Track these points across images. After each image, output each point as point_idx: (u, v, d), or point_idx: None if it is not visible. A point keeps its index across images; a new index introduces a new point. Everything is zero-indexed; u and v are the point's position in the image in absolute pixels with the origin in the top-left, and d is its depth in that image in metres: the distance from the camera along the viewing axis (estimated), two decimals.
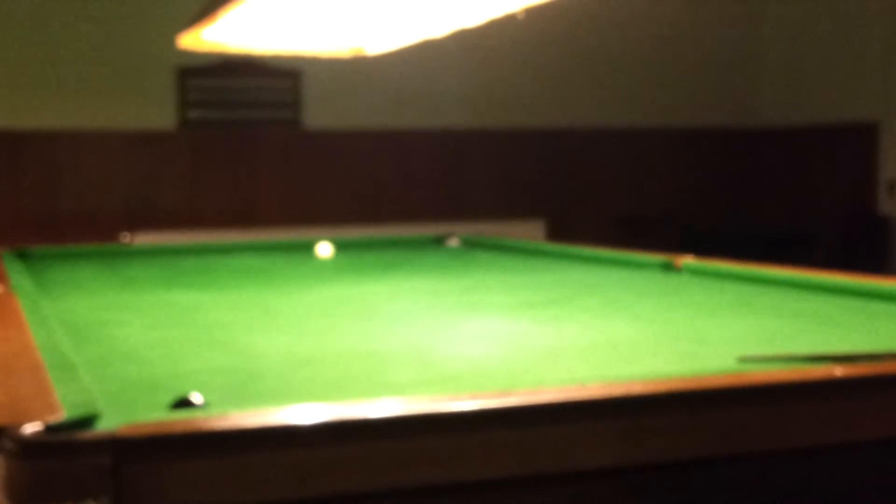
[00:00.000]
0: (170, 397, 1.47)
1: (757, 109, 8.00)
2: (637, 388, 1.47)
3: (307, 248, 4.53)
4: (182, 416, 1.35)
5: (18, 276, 3.11)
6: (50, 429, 1.23)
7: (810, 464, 1.57)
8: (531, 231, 7.05)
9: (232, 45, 3.84)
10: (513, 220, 7.22)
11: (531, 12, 2.98)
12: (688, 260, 3.28)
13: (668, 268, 3.30)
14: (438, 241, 4.73)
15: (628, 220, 7.57)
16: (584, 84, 7.58)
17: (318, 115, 6.97)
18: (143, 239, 5.97)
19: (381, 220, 6.98)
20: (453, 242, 4.67)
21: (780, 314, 2.44)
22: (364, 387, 1.67)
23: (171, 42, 4.10)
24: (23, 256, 3.94)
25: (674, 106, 7.80)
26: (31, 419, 1.25)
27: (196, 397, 1.41)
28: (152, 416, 1.34)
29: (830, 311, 2.46)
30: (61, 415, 1.29)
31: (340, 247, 4.57)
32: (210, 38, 3.68)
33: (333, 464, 1.31)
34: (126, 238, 5.86)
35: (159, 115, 6.64)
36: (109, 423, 1.28)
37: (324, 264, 3.91)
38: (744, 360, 1.68)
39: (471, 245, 4.54)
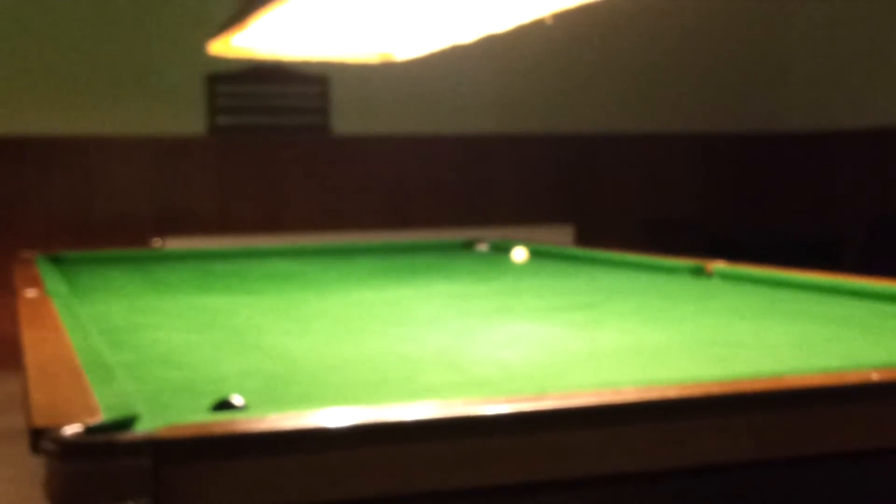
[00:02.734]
0: (206, 400, 1.48)
1: (782, 114, 7.96)
2: (672, 393, 1.47)
3: (336, 252, 4.55)
4: (220, 418, 1.36)
5: (53, 280, 3.14)
6: (89, 430, 1.24)
7: (846, 469, 1.56)
8: (560, 236, 7.04)
9: (261, 51, 3.87)
10: (541, 224, 7.21)
11: (558, 17, 2.98)
12: (719, 264, 3.27)
13: (698, 272, 3.29)
14: (467, 246, 4.73)
15: (655, 225, 7.55)
16: (611, 89, 7.56)
17: (345, 121, 6.99)
18: (174, 244, 6.01)
19: (409, 225, 7.00)
20: (482, 247, 4.67)
21: (812, 318, 2.43)
22: (398, 390, 1.68)
23: (200, 48, 4.13)
24: (56, 261, 3.98)
25: (699, 111, 7.77)
26: (70, 421, 1.26)
27: (237, 399, 1.42)
28: (189, 418, 1.35)
29: (862, 315, 2.45)
30: (100, 417, 1.30)
31: (369, 251, 4.58)
32: (239, 44, 3.70)
33: (368, 466, 1.32)
34: (157, 243, 5.90)
35: (189, 121, 6.68)
36: (148, 425, 1.29)
37: (352, 269, 3.92)
38: None
39: (500, 250, 4.54)
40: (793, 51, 7.96)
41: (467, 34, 3.39)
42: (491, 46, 5.12)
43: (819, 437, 1.51)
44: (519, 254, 3.98)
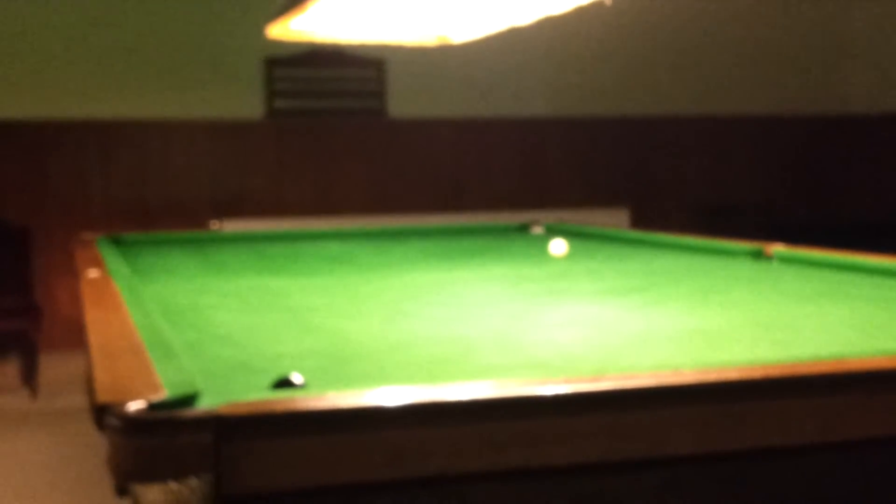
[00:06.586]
0: (265, 379, 1.50)
1: (845, 96, 7.83)
2: (732, 375, 1.46)
3: (391, 235, 4.56)
4: (280, 395, 1.37)
5: (114, 262, 3.18)
6: (153, 407, 1.26)
7: None
8: (615, 219, 6.99)
9: (319, 34, 3.88)
10: (596, 208, 7.16)
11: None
12: (779, 248, 3.23)
13: (758, 255, 3.26)
14: (523, 229, 4.72)
15: (713, 210, 7.48)
16: (668, 72, 7.49)
17: (402, 105, 7.00)
18: (231, 226, 6.06)
19: (464, 208, 6.99)
20: (537, 230, 4.66)
21: (874, 302, 2.39)
22: (454, 370, 1.68)
23: (258, 32, 4.15)
24: (116, 242, 4.03)
25: (759, 93, 7.67)
26: (134, 397, 1.28)
27: (296, 377, 1.44)
28: (249, 396, 1.36)
29: None
30: (163, 393, 1.32)
31: (424, 234, 4.59)
32: (297, 28, 3.72)
33: (425, 445, 1.32)
34: (215, 225, 5.96)
35: (246, 104, 6.73)
36: (209, 402, 1.30)
37: (408, 252, 3.93)
38: None
39: (555, 232, 4.52)
40: (857, 31, 7.82)
41: (524, 16, 3.37)
42: (548, 29, 5.08)
43: (881, 420, 1.49)
44: (558, 247, 3.63)
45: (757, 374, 1.47)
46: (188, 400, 1.30)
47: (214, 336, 2.00)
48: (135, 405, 1.25)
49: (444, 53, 5.58)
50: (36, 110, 6.41)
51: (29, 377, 5.41)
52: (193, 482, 1.23)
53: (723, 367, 1.51)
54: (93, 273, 2.78)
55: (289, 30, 3.72)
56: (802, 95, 7.76)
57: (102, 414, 1.26)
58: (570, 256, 3.60)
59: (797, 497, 1.50)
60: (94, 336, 1.82)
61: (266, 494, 1.26)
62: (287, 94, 6.77)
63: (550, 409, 1.37)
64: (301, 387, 1.42)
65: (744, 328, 2.08)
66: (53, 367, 5.68)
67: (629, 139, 7.45)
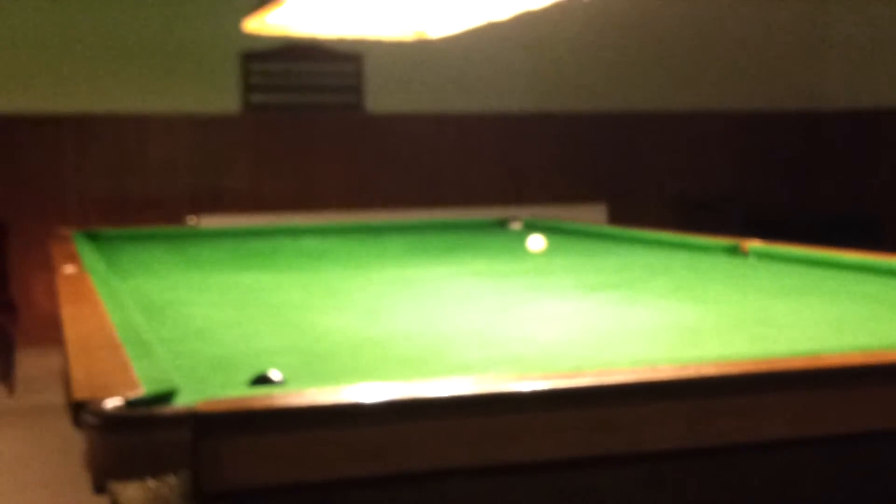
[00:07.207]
0: (243, 375, 1.49)
1: (822, 91, 7.87)
2: (709, 370, 1.46)
3: (369, 230, 4.56)
4: (259, 392, 1.37)
5: (90, 257, 3.16)
6: (130, 404, 1.25)
7: (882, 448, 1.55)
8: (593, 214, 7.01)
9: (295, 29, 3.87)
10: (574, 203, 7.18)
11: None
12: (755, 243, 3.25)
13: (734, 251, 3.27)
14: (501, 224, 4.73)
15: (691, 204, 7.51)
16: (646, 67, 7.51)
17: (379, 99, 6.99)
18: (209, 222, 6.04)
19: (443, 203, 6.99)
20: (516, 225, 4.67)
21: (849, 298, 2.41)
22: (432, 366, 1.68)
23: (235, 26, 4.15)
24: (93, 237, 4.01)
25: (737, 88, 7.70)
26: (111, 394, 1.27)
27: (275, 374, 1.43)
28: (227, 392, 1.36)
29: None
30: (140, 390, 1.31)
31: (402, 230, 4.58)
32: (274, 22, 3.71)
33: (403, 442, 1.32)
34: (192, 220, 5.93)
35: (224, 99, 6.70)
36: (186, 399, 1.30)
37: (386, 247, 3.93)
38: None
39: (533, 228, 4.53)
40: (834, 26, 7.85)
41: (502, 11, 3.38)
42: (526, 24, 5.09)
43: (855, 416, 1.50)
44: (536, 243, 3.64)
45: (734, 369, 1.48)
46: (166, 397, 1.30)
47: (192, 332, 2.00)
48: (112, 402, 1.24)
49: (422, 48, 5.59)
50: (11, 104, 6.36)
51: (5, 373, 5.37)
52: (172, 479, 1.23)
53: (700, 363, 1.51)
54: (69, 268, 2.77)
55: (265, 24, 3.71)
56: (781, 90, 7.79)
57: (79, 411, 1.25)
58: (548, 252, 3.61)
59: (773, 491, 1.51)
60: (71, 332, 1.81)
61: (245, 491, 1.26)
62: (264, 88, 6.75)
63: (529, 405, 1.37)
64: (279, 383, 1.42)
65: (720, 324, 2.09)
66: (30, 364, 5.64)
67: (607, 135, 7.46)
